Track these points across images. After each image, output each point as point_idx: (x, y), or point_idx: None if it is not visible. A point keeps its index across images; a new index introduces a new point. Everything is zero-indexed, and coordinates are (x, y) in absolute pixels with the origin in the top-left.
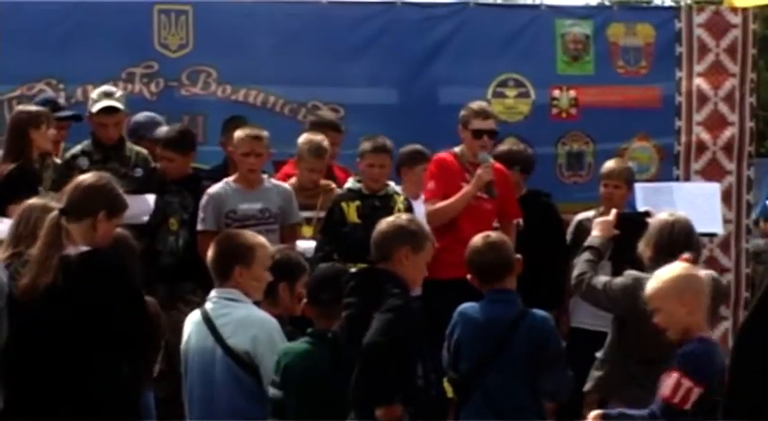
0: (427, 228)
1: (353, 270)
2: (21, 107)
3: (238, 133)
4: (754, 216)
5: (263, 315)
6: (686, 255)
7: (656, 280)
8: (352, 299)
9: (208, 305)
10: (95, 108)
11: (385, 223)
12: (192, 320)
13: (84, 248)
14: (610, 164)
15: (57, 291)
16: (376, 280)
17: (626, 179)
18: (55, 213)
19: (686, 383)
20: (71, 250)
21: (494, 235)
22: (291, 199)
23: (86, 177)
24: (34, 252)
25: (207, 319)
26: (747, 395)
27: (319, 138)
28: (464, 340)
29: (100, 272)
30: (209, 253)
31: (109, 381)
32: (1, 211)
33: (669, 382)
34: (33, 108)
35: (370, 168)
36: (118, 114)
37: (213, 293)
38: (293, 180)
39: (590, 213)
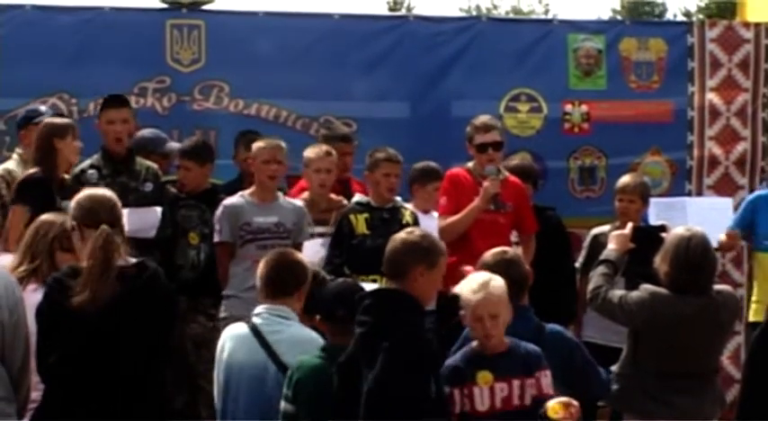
0: (440, 241)
1: (367, 286)
2: (47, 119)
3: (258, 143)
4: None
5: (313, 333)
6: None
7: (488, 287)
8: (367, 317)
9: (257, 320)
10: (102, 104)
11: (399, 241)
12: (237, 333)
13: (133, 260)
14: (625, 178)
15: (119, 302)
16: (391, 300)
17: (641, 194)
18: (105, 228)
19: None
20: (122, 262)
21: (509, 251)
22: (304, 217)
23: (108, 192)
24: (89, 265)
25: (258, 334)
26: (761, 406)
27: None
28: None
29: (158, 283)
30: (264, 268)
31: (158, 390)
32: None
33: (548, 381)
34: (59, 120)
35: (387, 178)
36: (125, 110)
37: (262, 308)
38: (305, 194)
39: (605, 228)
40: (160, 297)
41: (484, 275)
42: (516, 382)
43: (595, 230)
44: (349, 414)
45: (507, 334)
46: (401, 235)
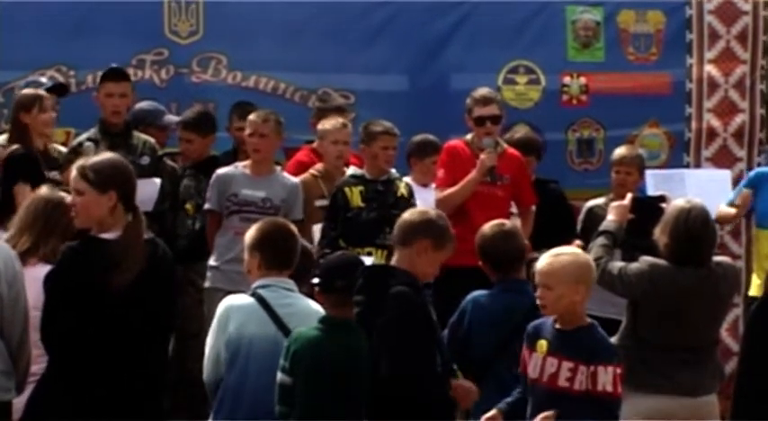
0: (452, 229)
1: (365, 259)
2: (23, 91)
3: (249, 116)
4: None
5: (320, 308)
6: (578, 242)
7: (552, 259)
8: (361, 297)
9: (264, 292)
10: (101, 76)
11: (416, 212)
12: (241, 304)
13: (148, 235)
14: (621, 150)
15: (141, 279)
16: (383, 276)
17: (638, 165)
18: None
19: (618, 371)
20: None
21: (507, 224)
22: (297, 194)
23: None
24: (131, 242)
25: (267, 307)
26: (758, 379)
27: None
28: (476, 328)
29: (169, 260)
30: (266, 238)
31: (160, 369)
32: (9, 192)
33: (608, 378)
34: (29, 92)
35: (385, 151)
36: (124, 83)
37: (269, 280)
38: (319, 166)
39: (600, 200)
40: (170, 275)
41: (565, 249)
42: (567, 364)
43: (590, 203)
44: None
45: (502, 305)
46: (420, 208)
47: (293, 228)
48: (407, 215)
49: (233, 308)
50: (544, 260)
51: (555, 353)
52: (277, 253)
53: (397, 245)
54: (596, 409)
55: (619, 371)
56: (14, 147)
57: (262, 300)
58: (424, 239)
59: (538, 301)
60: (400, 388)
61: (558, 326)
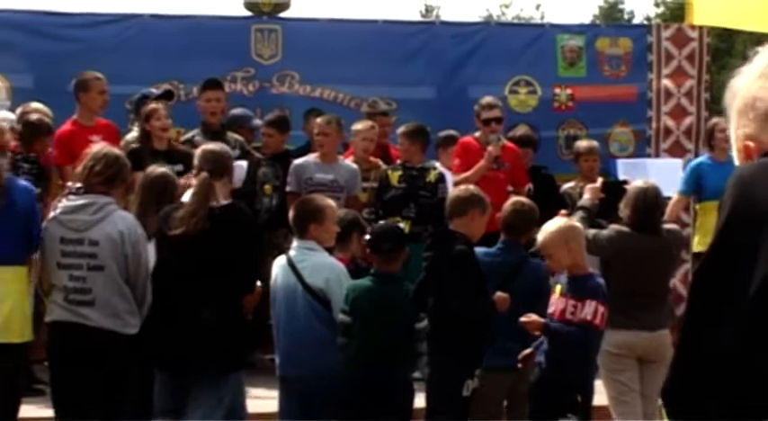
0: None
1: (402, 224)
2: (149, 106)
3: (317, 119)
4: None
5: (332, 261)
6: (563, 211)
7: (543, 233)
8: (429, 253)
9: (291, 252)
10: (202, 86)
11: (461, 190)
12: (279, 264)
13: (225, 202)
14: (585, 143)
15: (207, 236)
16: (447, 239)
17: (597, 153)
18: (205, 175)
19: (601, 309)
20: (214, 203)
21: (524, 201)
22: (357, 176)
23: (211, 145)
24: (188, 205)
25: (290, 263)
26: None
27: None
28: None
29: (241, 218)
30: (290, 213)
31: (234, 309)
32: None
33: (589, 310)
34: (150, 106)
35: (402, 146)
36: (220, 91)
37: (295, 243)
38: (350, 158)
39: (570, 184)
40: (245, 231)
41: (550, 223)
42: (571, 301)
43: (564, 187)
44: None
45: (494, 260)
46: (462, 187)
47: (311, 204)
48: (456, 193)
49: (275, 266)
50: (539, 236)
51: (566, 294)
52: (294, 224)
53: (453, 216)
54: (576, 330)
55: (601, 308)
56: (134, 145)
57: (288, 259)
58: (475, 209)
59: (548, 268)
60: (465, 317)
61: (569, 274)
